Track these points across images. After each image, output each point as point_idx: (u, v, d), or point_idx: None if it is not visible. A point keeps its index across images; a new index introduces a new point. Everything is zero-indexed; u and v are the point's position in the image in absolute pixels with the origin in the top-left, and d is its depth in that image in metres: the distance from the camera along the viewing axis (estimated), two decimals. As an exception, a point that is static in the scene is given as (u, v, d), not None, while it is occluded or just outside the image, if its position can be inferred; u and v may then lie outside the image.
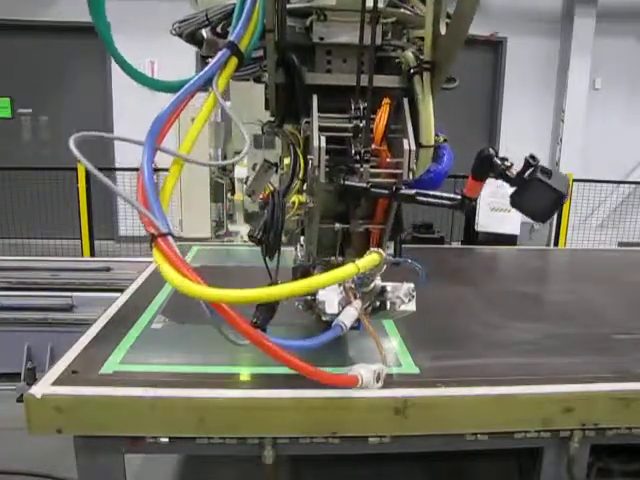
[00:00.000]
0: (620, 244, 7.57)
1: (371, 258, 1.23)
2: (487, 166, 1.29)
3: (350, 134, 1.30)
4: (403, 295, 1.42)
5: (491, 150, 1.30)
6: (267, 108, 1.50)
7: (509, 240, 4.72)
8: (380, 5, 1.34)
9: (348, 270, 1.19)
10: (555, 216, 7.29)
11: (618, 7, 7.86)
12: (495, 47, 8.23)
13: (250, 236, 1.34)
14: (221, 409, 1.37)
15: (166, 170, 1.39)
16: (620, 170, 8.24)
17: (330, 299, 1.36)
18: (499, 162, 1.30)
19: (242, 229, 3.82)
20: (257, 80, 1.53)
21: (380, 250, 1.25)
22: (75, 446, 1.40)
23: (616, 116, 8.29)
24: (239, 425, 1.38)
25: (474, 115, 8.43)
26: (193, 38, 1.57)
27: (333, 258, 1.47)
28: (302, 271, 1.53)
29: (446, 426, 1.43)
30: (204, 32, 1.53)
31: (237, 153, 4.18)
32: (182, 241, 3.04)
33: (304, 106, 1.37)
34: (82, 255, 6.38)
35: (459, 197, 1.35)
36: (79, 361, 1.52)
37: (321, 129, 1.28)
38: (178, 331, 1.79)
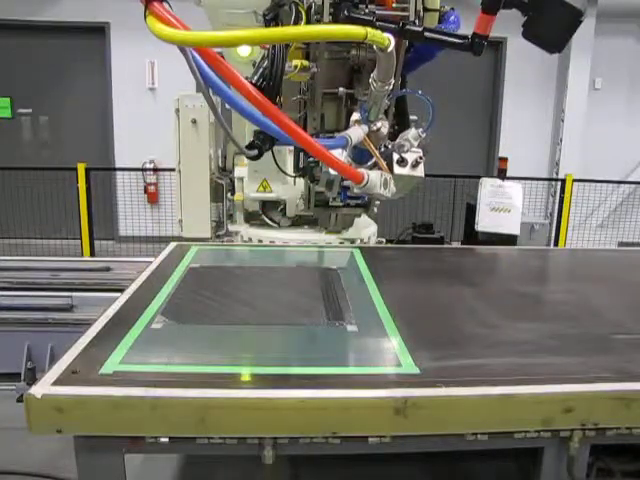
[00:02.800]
0: (620, 244, 7.58)
1: (379, 33, 1.03)
2: None
3: None
4: (412, 138, 1.31)
5: None
6: None
7: (509, 240, 4.71)
8: None
9: (336, 30, 1.03)
10: (555, 216, 7.30)
11: (618, 7, 7.86)
12: (495, 47, 8.23)
13: (250, 81, 1.22)
14: (221, 409, 1.37)
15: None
16: (620, 170, 8.25)
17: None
18: None
19: (242, 229, 3.82)
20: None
21: (390, 36, 1.07)
22: (75, 446, 1.40)
23: (616, 116, 8.30)
24: (239, 425, 1.38)
25: (474, 115, 8.43)
26: None
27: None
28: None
29: (446, 426, 1.43)
30: None
31: (238, 153, 4.19)
32: (182, 241, 3.04)
33: None
34: (82, 255, 6.38)
35: (468, 37, 1.23)
36: (79, 361, 1.52)
37: None
38: (178, 331, 1.79)
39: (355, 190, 1.22)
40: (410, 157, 1.29)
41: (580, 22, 1.14)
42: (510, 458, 1.71)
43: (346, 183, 1.25)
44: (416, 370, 1.54)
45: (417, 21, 1.21)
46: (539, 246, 5.41)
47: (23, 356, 3.77)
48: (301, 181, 1.62)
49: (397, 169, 1.29)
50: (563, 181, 7.04)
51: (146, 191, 7.76)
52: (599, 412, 1.45)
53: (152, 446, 1.42)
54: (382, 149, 1.25)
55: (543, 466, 1.53)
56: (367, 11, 1.16)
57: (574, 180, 6.98)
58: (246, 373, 1.52)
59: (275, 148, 1.33)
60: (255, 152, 1.20)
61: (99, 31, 7.72)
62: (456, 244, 5.80)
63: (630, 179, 8.29)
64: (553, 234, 7.13)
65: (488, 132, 8.55)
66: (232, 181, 3.95)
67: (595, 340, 1.82)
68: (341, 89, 1.31)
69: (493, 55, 8.32)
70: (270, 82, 1.18)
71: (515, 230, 4.79)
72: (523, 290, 2.37)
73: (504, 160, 5.26)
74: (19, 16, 7.49)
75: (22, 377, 3.62)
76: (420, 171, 1.32)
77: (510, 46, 8.11)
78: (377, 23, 1.16)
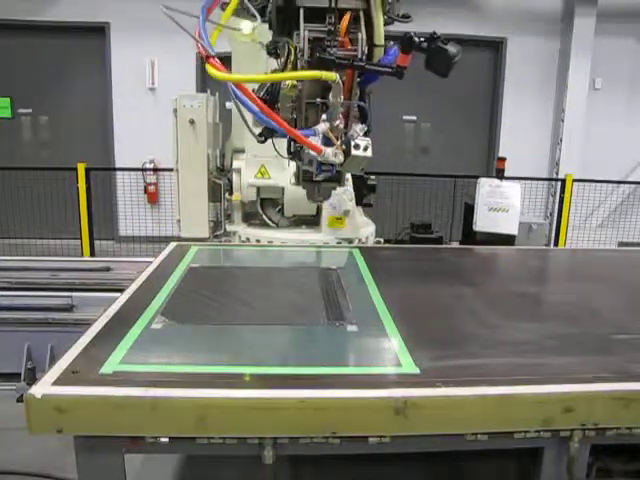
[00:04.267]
0: (620, 244, 7.57)
1: (330, 74, 1.73)
2: (408, 43, 1.86)
3: (325, 35, 1.86)
4: (359, 130, 1.88)
5: (411, 33, 1.87)
6: (270, 28, 2.02)
7: (507, 240, 4.71)
8: None
9: (312, 73, 1.74)
10: (555, 216, 7.30)
11: (618, 7, 7.87)
12: (495, 47, 8.24)
13: (258, 97, 1.83)
14: (221, 409, 1.37)
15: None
16: (620, 170, 8.24)
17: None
18: (417, 40, 1.88)
19: (240, 229, 3.82)
20: (262, 12, 2.00)
21: (336, 75, 1.74)
22: (75, 446, 1.41)
23: (616, 116, 8.29)
24: (239, 425, 1.38)
25: (474, 115, 8.43)
26: None
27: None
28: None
29: (446, 426, 1.43)
30: None
31: (236, 152, 4.21)
32: (180, 241, 3.04)
33: (295, 23, 1.91)
34: (82, 255, 6.38)
35: (395, 67, 1.89)
36: (79, 361, 1.52)
37: (306, 30, 1.87)
38: (178, 331, 1.79)
39: (319, 159, 1.85)
40: (362, 143, 1.87)
41: (455, 61, 1.92)
42: (510, 458, 1.71)
43: (319, 160, 1.88)
44: (416, 370, 1.54)
45: (363, 57, 1.87)
46: (538, 246, 5.41)
47: (23, 356, 3.76)
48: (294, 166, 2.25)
49: (354, 151, 1.86)
50: (563, 181, 7.03)
51: (146, 191, 7.76)
52: (599, 412, 1.45)
53: (152, 446, 1.43)
54: (342, 137, 1.87)
55: (543, 466, 1.53)
56: (332, 52, 1.83)
57: (574, 180, 6.98)
58: (246, 373, 1.52)
59: (275, 139, 2.05)
60: (262, 138, 1.98)
61: (99, 31, 7.72)
62: (455, 244, 5.79)
63: (630, 179, 8.28)
64: (553, 234, 7.13)
65: (488, 132, 8.55)
66: (230, 181, 3.96)
67: (595, 340, 1.82)
68: (318, 99, 1.90)
69: (493, 55, 8.32)
70: (271, 95, 1.90)
71: (513, 230, 4.78)
72: (523, 290, 2.37)
73: (502, 160, 5.25)
74: (19, 16, 7.49)
75: (22, 377, 3.62)
76: (369, 152, 1.88)
77: (510, 46, 8.12)
78: (337, 61, 1.81)
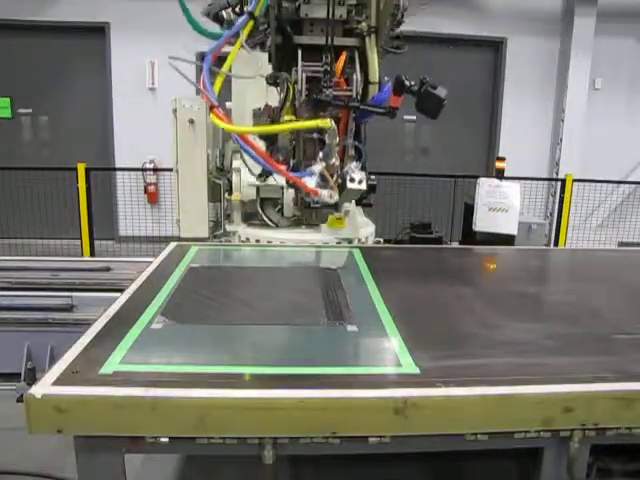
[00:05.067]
0: (620, 244, 7.57)
1: (325, 121, 1.80)
2: (400, 86, 1.95)
3: (322, 75, 1.98)
4: (354, 167, 1.97)
5: (403, 76, 1.96)
6: (270, 61, 2.12)
7: (507, 240, 4.71)
8: None
9: (308, 123, 1.82)
10: (555, 216, 7.30)
11: (618, 7, 7.87)
12: (495, 47, 8.24)
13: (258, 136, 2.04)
14: (221, 409, 1.37)
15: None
16: (620, 170, 8.24)
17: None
18: (408, 84, 1.97)
19: (239, 229, 3.82)
20: (262, 46, 2.15)
21: (332, 121, 1.81)
22: (75, 446, 1.41)
23: (616, 116, 8.29)
24: (239, 425, 1.38)
25: (474, 115, 8.43)
26: (217, 17, 2.28)
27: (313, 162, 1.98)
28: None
29: (446, 426, 1.43)
30: (224, 13, 2.25)
31: (236, 152, 4.20)
32: (180, 241, 3.04)
33: (293, 59, 2.01)
34: (82, 255, 6.38)
35: (387, 108, 2.00)
36: (79, 361, 1.52)
37: (304, 70, 1.99)
38: (178, 331, 1.79)
39: (315, 199, 1.95)
40: (357, 177, 1.96)
41: (444, 104, 2.01)
42: (510, 458, 1.71)
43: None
44: (416, 370, 1.54)
45: (358, 97, 1.98)
46: (537, 246, 5.41)
47: (23, 356, 3.77)
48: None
49: (349, 185, 1.95)
50: (563, 181, 7.04)
51: (146, 191, 7.75)
52: (599, 412, 1.45)
53: (152, 446, 1.43)
54: (338, 173, 1.94)
55: (543, 466, 1.53)
56: (327, 92, 1.95)
57: (574, 180, 6.98)
58: (246, 373, 1.52)
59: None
60: (262, 178, 2.17)
61: (99, 31, 7.72)
62: (455, 244, 5.80)
63: (630, 179, 8.28)
64: (553, 234, 7.13)
65: (488, 132, 8.55)
66: (230, 181, 3.95)
67: (595, 340, 1.82)
68: (315, 134, 2.01)
69: (493, 55, 8.32)
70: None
71: (513, 230, 4.79)
72: (523, 290, 2.37)
73: (502, 160, 5.26)
74: (19, 16, 7.48)
75: (22, 377, 3.62)
76: (363, 185, 1.98)
77: (510, 46, 8.12)
78: (333, 102, 1.94)
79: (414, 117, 8.26)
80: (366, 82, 2.03)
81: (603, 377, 1.52)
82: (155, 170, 7.61)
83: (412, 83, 1.99)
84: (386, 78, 2.08)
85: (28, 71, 7.76)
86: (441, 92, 2.02)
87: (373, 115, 2.10)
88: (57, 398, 1.34)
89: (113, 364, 1.51)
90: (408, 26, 2.37)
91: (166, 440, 1.41)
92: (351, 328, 1.82)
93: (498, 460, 1.79)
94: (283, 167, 1.91)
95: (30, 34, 7.67)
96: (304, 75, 1.96)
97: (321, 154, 1.88)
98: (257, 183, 3.79)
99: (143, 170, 7.59)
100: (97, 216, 6.58)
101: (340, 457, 1.56)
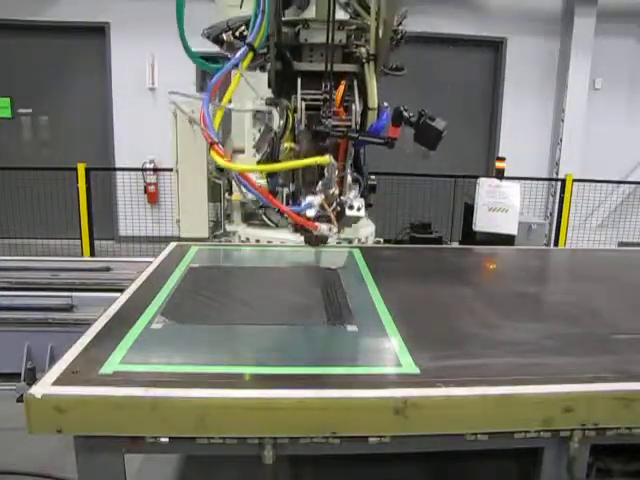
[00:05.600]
0: (620, 244, 7.58)
1: (324, 158, 1.79)
2: (399, 117, 1.98)
3: (321, 103, 1.96)
4: (352, 197, 1.98)
5: (402, 107, 1.98)
6: (269, 87, 2.09)
7: (507, 240, 4.71)
8: (344, 17, 2.08)
9: (308, 161, 1.80)
10: (555, 216, 7.30)
11: (618, 7, 7.87)
12: (495, 47, 8.24)
13: (258, 161, 2.05)
14: (221, 409, 1.37)
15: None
16: (620, 170, 8.24)
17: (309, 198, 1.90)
18: (407, 115, 1.99)
19: (239, 229, 3.81)
20: (262, 68, 2.13)
21: (331, 157, 1.81)
22: (75, 446, 1.41)
23: (616, 116, 8.30)
24: (239, 425, 1.38)
25: (474, 115, 8.43)
26: (217, 40, 2.25)
27: (313, 188, 1.98)
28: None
29: (446, 426, 1.43)
30: (225, 36, 2.21)
31: (236, 152, 4.21)
32: (180, 241, 3.04)
33: (293, 85, 2.01)
34: (82, 255, 6.38)
35: (386, 138, 2.00)
36: (79, 361, 1.52)
37: (303, 99, 1.98)
38: (178, 331, 1.79)
39: (315, 234, 1.95)
40: (356, 204, 1.98)
41: (442, 136, 2.01)
42: (510, 458, 1.71)
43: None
44: (416, 370, 1.54)
45: (357, 126, 1.98)
46: (537, 246, 5.41)
47: (23, 356, 3.76)
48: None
49: (348, 212, 1.96)
50: (563, 181, 7.04)
51: (146, 191, 7.76)
52: (599, 412, 1.45)
53: (152, 446, 1.43)
54: (337, 200, 1.94)
55: (543, 466, 1.53)
56: (326, 123, 1.93)
57: (574, 180, 6.98)
58: (246, 373, 1.52)
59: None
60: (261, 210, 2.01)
61: (99, 31, 7.72)
62: (455, 244, 5.80)
63: (630, 179, 8.28)
64: (553, 234, 7.13)
65: (488, 132, 8.55)
66: (230, 181, 3.95)
67: (595, 340, 1.82)
68: None
69: (493, 55, 8.32)
70: (271, 160, 1.95)
71: (513, 230, 4.79)
72: (523, 290, 2.37)
73: (502, 160, 5.26)
74: (19, 16, 7.48)
75: (22, 377, 3.62)
76: (362, 213, 1.99)
77: (510, 46, 8.12)
78: (332, 132, 1.93)
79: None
80: (365, 108, 2.02)
81: (603, 377, 1.52)
82: (155, 170, 7.61)
83: (411, 114, 2.01)
84: (385, 104, 2.06)
85: (28, 71, 7.76)
86: (439, 124, 2.01)
87: (364, 145, 2.11)
88: (57, 398, 1.34)
89: (113, 364, 1.51)
90: (408, 27, 2.36)
91: (166, 440, 1.41)
92: (351, 328, 1.82)
93: (498, 460, 1.79)
94: (281, 203, 1.91)
95: (30, 34, 7.67)
96: (303, 104, 1.97)
97: (320, 184, 1.89)
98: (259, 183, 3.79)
99: (143, 170, 7.59)
100: (97, 216, 6.58)
101: (340, 457, 1.56)
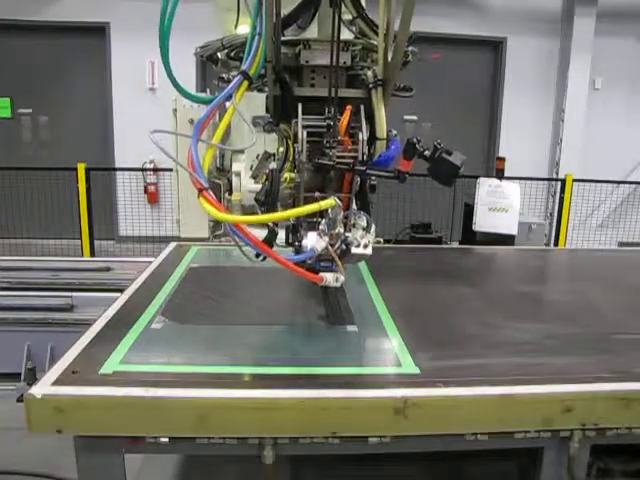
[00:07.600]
0: (620, 244, 7.58)
1: (329, 201, 1.59)
2: (412, 149, 1.76)
3: (324, 130, 1.79)
4: (359, 237, 1.78)
5: (415, 139, 1.76)
6: (267, 112, 1.95)
7: (507, 240, 4.72)
8: (349, 37, 1.90)
9: (311, 207, 1.58)
10: (555, 216, 7.30)
11: (618, 7, 7.87)
12: (495, 47, 8.24)
13: (256, 199, 1.85)
14: (221, 409, 1.37)
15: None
16: (620, 170, 8.24)
17: (312, 242, 1.71)
18: (420, 147, 1.77)
19: (240, 229, 3.81)
20: (260, 91, 1.96)
21: (336, 198, 1.61)
22: (75, 446, 1.40)
23: (616, 116, 8.29)
24: (239, 425, 1.38)
25: (474, 115, 8.43)
26: (211, 58, 2.08)
27: (315, 218, 1.83)
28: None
29: (446, 426, 1.43)
30: (219, 54, 2.04)
31: (235, 152, 4.19)
32: (180, 241, 3.04)
33: (293, 110, 1.84)
34: (82, 255, 6.37)
35: (395, 172, 1.81)
36: (79, 361, 1.52)
37: (304, 126, 1.80)
38: (178, 331, 1.79)
39: (320, 284, 1.74)
40: (363, 241, 1.79)
41: (459, 172, 1.83)
42: (510, 458, 1.71)
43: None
44: (416, 370, 1.54)
45: (364, 157, 1.79)
46: (537, 246, 5.41)
47: (23, 356, 3.77)
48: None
49: (354, 250, 1.77)
50: (563, 181, 7.03)
51: (146, 191, 7.75)
52: (599, 412, 1.45)
53: (152, 446, 1.43)
54: (342, 238, 1.74)
55: (543, 466, 1.53)
56: (330, 154, 1.77)
57: (574, 180, 6.97)
58: (246, 373, 1.52)
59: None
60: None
61: (99, 31, 7.72)
62: (455, 244, 5.79)
63: (630, 179, 8.28)
64: (553, 234, 7.12)
65: (488, 132, 8.55)
66: (230, 181, 3.95)
67: (595, 340, 1.82)
68: (317, 193, 1.83)
69: (493, 55, 8.32)
70: (271, 198, 1.79)
71: (513, 230, 4.79)
72: (523, 290, 2.37)
73: (502, 160, 5.26)
74: (19, 16, 7.48)
75: (22, 377, 3.63)
76: (369, 250, 1.80)
77: (510, 46, 8.12)
78: (336, 166, 1.78)
79: (415, 117, 8.27)
80: (372, 137, 1.83)
81: (603, 377, 1.52)
82: (155, 170, 7.61)
83: (425, 147, 1.78)
84: (394, 132, 1.90)
85: (28, 71, 7.76)
86: (457, 159, 1.80)
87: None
88: (57, 398, 1.34)
89: (113, 364, 1.51)
90: (411, 27, 2.35)
91: (166, 440, 1.41)
92: (351, 328, 1.82)
93: (498, 460, 1.79)
94: (278, 254, 1.63)
95: (30, 34, 7.67)
96: (305, 133, 1.78)
97: (323, 223, 1.68)
98: (257, 189, 3.78)
99: (143, 170, 7.59)
100: (97, 216, 6.58)
101: (340, 457, 1.56)
